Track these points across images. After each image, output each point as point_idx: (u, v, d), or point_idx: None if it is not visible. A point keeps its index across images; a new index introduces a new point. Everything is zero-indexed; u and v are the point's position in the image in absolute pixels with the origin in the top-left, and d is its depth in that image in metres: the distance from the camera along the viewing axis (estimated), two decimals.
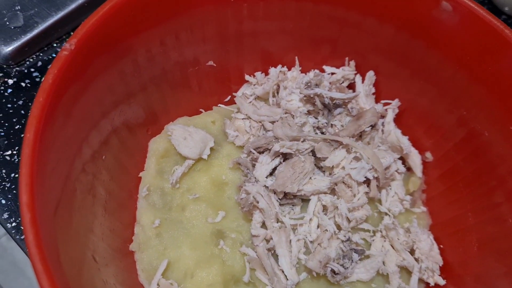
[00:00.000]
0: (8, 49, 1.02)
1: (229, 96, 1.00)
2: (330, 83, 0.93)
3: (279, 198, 0.82)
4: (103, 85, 0.75)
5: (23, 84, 1.03)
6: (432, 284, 0.84)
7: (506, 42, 0.74)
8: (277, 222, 0.82)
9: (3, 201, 0.91)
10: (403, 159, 0.93)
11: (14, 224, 0.90)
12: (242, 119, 0.92)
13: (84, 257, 0.68)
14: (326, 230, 0.80)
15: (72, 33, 0.84)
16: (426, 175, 0.94)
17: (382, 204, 0.86)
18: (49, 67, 0.66)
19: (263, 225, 0.83)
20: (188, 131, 0.88)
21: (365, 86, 0.93)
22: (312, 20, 0.90)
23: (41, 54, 1.08)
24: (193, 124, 0.92)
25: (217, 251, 0.82)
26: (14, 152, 0.96)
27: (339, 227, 0.82)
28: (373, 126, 0.86)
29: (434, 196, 0.92)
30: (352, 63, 0.94)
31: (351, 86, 0.97)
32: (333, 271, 0.77)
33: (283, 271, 0.79)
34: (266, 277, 0.80)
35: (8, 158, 0.95)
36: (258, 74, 0.97)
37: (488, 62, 0.77)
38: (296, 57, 0.96)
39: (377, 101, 0.97)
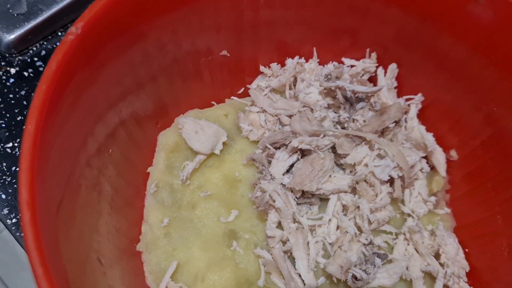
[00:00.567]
0: (11, 37, 0.99)
1: (243, 88, 0.96)
2: (350, 75, 0.88)
3: (296, 197, 0.78)
4: (111, 74, 0.71)
5: (25, 74, 1.00)
6: None
7: None
8: (294, 223, 0.77)
9: (3, 196, 0.88)
10: (426, 158, 0.88)
11: (14, 220, 0.87)
12: (257, 112, 0.88)
13: (88, 259, 0.64)
14: (346, 232, 0.76)
15: None
16: (450, 175, 0.89)
17: (405, 205, 0.81)
18: None
19: (279, 226, 0.78)
20: (200, 125, 0.84)
21: (387, 80, 0.88)
22: (332, 9, 0.85)
23: (45, 43, 1.04)
24: (205, 117, 0.88)
25: (230, 253, 0.78)
26: (16, 144, 0.92)
27: (359, 229, 0.77)
28: (397, 122, 0.80)
29: (458, 196, 0.87)
30: (374, 55, 0.89)
31: (371, 80, 0.92)
32: (354, 277, 0.72)
33: (300, 275, 0.74)
34: (282, 281, 0.75)
35: (9, 150, 0.92)
36: (274, 65, 0.92)
37: None
38: (314, 48, 0.91)
39: (399, 95, 0.91)
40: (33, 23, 0.99)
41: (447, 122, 0.88)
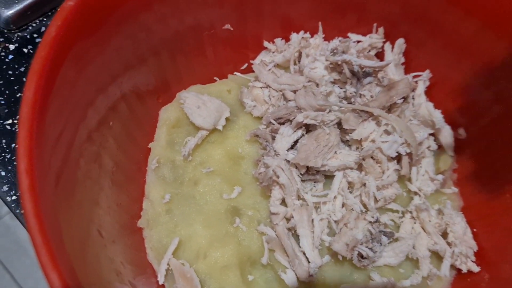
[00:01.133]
0: (9, 12, 0.97)
1: (246, 64, 0.94)
2: (356, 51, 0.86)
3: (300, 174, 0.76)
4: (112, 45, 0.69)
5: (25, 50, 0.98)
6: (464, 271, 0.77)
7: None
8: (298, 200, 0.75)
9: (3, 173, 0.86)
10: (433, 136, 0.86)
11: (14, 197, 0.85)
12: (261, 87, 0.86)
13: (88, 232, 0.62)
14: (352, 209, 0.74)
15: None
16: (458, 154, 0.87)
17: (412, 183, 0.79)
18: None
19: (283, 202, 0.76)
20: (202, 100, 0.82)
21: (394, 55, 0.86)
22: None
23: (45, 19, 1.02)
24: (207, 93, 0.86)
25: (233, 230, 0.77)
26: (15, 121, 0.91)
27: (365, 207, 0.75)
28: (404, 99, 0.78)
29: (466, 176, 0.85)
30: (381, 30, 0.87)
31: (378, 56, 0.90)
32: (360, 255, 0.71)
33: (304, 253, 0.72)
34: (286, 259, 0.73)
35: (8, 127, 0.90)
36: (278, 40, 0.90)
37: None
38: (320, 23, 0.89)
39: (406, 73, 0.89)
40: None
41: (455, 100, 0.86)
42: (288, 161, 0.75)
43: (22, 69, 0.95)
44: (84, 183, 0.64)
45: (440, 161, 0.85)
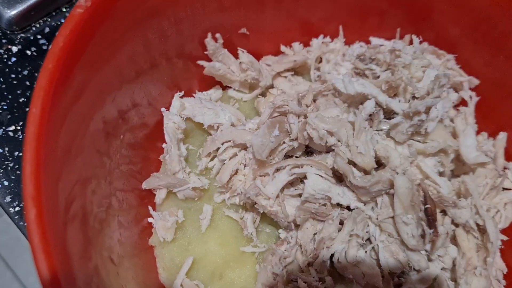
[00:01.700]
0: (12, 12, 0.93)
1: None
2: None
3: None
4: (124, 52, 0.65)
5: (28, 52, 0.95)
6: None
7: None
8: None
9: (6, 183, 0.83)
10: None
11: (17, 208, 0.82)
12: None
13: (102, 260, 0.58)
14: None
15: None
16: None
17: None
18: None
19: None
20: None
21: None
22: None
23: (49, 20, 0.99)
24: (221, 100, 0.83)
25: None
26: (18, 127, 0.87)
27: None
28: None
29: None
30: (407, 37, 0.82)
31: None
32: None
33: None
34: None
35: (11, 134, 0.87)
36: (296, 44, 0.86)
37: None
38: (341, 27, 0.85)
39: None
40: None
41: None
42: None
43: (25, 72, 0.92)
44: (91, 203, 0.60)
45: None
